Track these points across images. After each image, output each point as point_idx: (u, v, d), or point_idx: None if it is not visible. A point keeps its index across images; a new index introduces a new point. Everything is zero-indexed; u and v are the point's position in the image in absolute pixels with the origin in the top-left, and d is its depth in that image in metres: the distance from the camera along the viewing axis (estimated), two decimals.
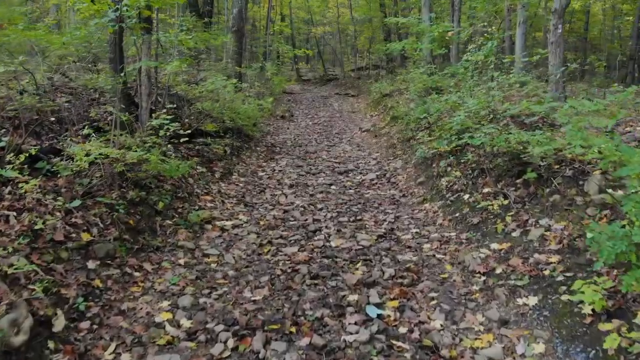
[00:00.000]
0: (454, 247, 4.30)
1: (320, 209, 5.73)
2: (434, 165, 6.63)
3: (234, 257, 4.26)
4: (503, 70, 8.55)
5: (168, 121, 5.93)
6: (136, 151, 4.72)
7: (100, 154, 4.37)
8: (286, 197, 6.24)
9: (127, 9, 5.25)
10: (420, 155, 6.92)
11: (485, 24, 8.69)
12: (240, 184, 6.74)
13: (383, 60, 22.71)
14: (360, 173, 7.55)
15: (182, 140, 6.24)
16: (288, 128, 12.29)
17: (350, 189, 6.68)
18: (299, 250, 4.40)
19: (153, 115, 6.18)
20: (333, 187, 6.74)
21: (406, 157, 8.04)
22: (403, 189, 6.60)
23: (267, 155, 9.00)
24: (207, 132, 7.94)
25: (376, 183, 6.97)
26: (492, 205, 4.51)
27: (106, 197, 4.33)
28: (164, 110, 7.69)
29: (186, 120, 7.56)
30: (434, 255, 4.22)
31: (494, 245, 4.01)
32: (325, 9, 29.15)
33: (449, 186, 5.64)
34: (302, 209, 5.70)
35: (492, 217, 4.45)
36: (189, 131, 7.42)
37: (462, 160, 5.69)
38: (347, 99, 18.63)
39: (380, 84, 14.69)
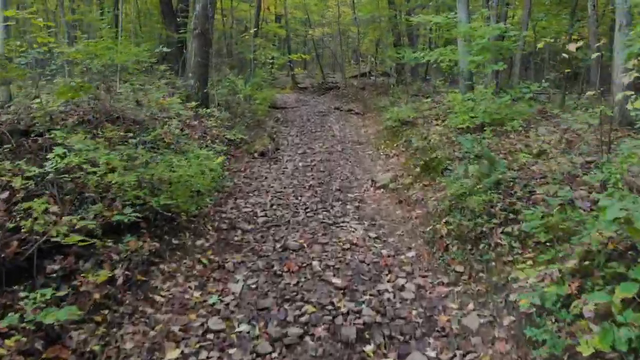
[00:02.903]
0: None
1: None
2: None
3: None
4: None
5: None
6: None
7: None
8: None
9: None
10: (535, 337, 2.87)
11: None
12: None
13: (392, 69, 18.72)
14: (391, 339, 3.50)
15: None
16: (266, 178, 8.22)
17: None
18: None
19: None
20: None
21: (482, 287, 3.97)
22: None
23: (213, 259, 4.95)
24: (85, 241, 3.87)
25: None
26: None
27: None
28: None
29: (17, 234, 3.48)
30: None
31: None
32: (324, 8, 25.27)
33: None
34: None
35: None
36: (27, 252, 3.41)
37: None
38: (350, 119, 14.57)
39: (397, 108, 10.59)
